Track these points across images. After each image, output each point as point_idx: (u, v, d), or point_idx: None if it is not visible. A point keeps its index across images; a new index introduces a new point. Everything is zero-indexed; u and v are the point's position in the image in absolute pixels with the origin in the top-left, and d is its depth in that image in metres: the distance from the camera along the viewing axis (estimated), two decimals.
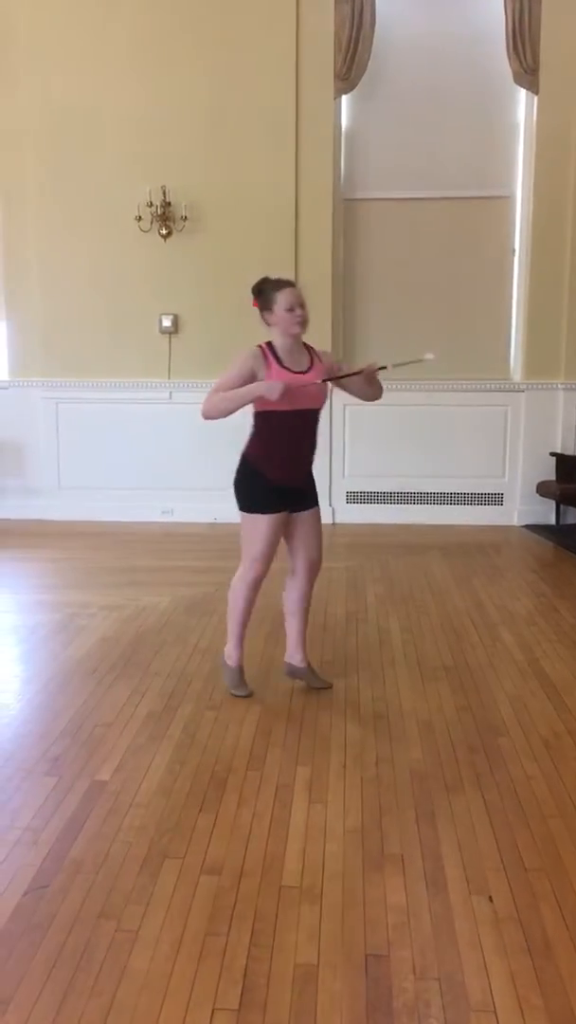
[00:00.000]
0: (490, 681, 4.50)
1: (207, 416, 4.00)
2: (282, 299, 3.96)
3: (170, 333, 8.30)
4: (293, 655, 4.39)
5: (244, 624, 4.30)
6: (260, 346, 4.01)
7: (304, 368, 4.02)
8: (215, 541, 7.60)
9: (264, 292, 4.01)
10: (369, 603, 5.84)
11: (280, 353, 4.00)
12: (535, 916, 2.63)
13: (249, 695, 4.25)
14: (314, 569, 4.29)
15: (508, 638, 5.15)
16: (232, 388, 3.93)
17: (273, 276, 4.11)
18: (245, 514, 4.11)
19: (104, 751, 3.70)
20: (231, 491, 4.15)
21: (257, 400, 3.92)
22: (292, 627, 4.38)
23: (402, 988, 2.33)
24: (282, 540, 4.20)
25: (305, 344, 4.10)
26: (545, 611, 5.69)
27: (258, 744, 3.78)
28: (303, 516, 4.19)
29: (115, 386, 8.35)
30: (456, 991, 2.32)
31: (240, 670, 4.32)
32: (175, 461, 8.36)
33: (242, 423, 4.17)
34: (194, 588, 6.11)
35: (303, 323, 3.98)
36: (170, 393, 8.33)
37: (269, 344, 4.02)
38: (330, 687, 4.35)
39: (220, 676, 4.44)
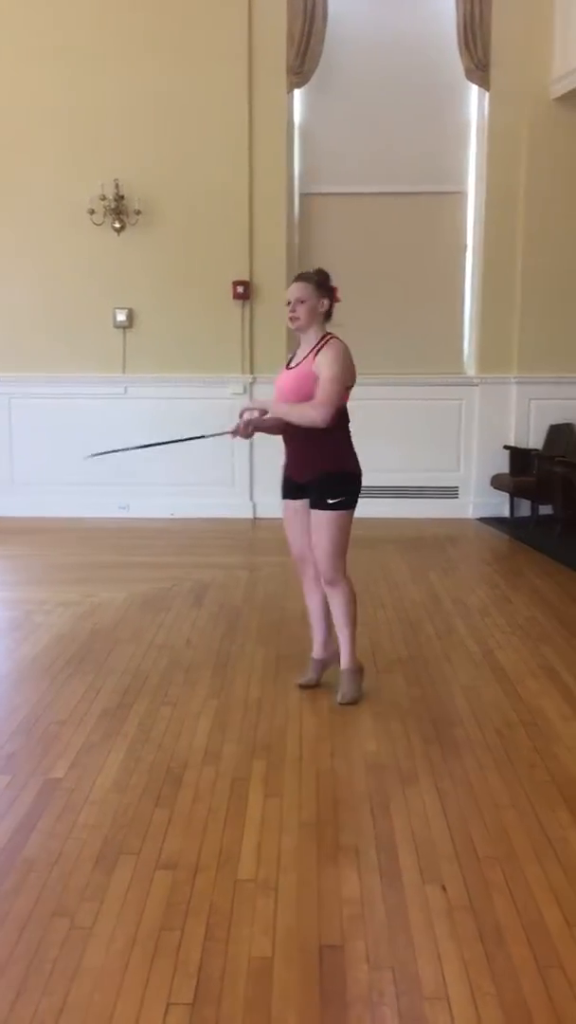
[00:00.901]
0: (445, 672, 4.54)
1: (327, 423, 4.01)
2: (287, 294, 4.07)
3: (124, 327, 8.25)
4: (321, 650, 4.35)
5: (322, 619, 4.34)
6: (336, 338, 4.07)
7: (297, 363, 4.08)
8: (172, 536, 7.58)
9: (324, 282, 4.11)
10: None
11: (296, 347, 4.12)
12: (487, 904, 2.66)
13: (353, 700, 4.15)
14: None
15: (463, 630, 5.19)
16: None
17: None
18: (339, 512, 4.16)
19: (58, 748, 3.67)
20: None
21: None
22: (325, 623, 4.35)
23: (356, 978, 2.35)
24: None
25: (326, 334, 4.07)
26: (499, 602, 5.75)
27: (214, 739, 3.77)
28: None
29: (69, 381, 8.28)
30: (409, 980, 2.34)
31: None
32: (131, 456, 8.26)
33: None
34: (151, 584, 6.08)
35: (292, 320, 4.02)
36: (125, 388, 8.28)
37: (335, 336, 4.10)
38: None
39: (176, 672, 4.43)
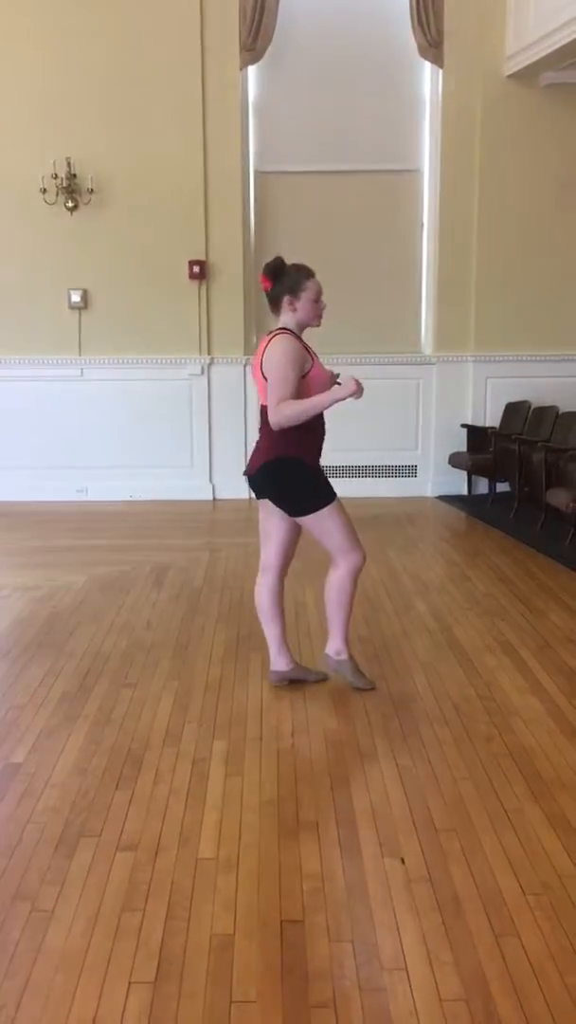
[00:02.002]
0: (404, 649, 4.58)
1: (284, 426, 3.73)
2: (313, 286, 3.83)
3: (80, 308, 8.16)
4: (279, 659, 4.12)
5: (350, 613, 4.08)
6: (290, 334, 3.78)
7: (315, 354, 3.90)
8: (132, 519, 7.54)
9: (290, 276, 3.81)
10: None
11: (301, 338, 3.83)
12: (445, 875, 2.70)
13: (372, 686, 4.04)
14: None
15: (421, 607, 5.24)
16: (293, 382, 3.69)
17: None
18: (313, 515, 3.84)
19: (18, 733, 3.66)
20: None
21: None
22: (278, 629, 4.14)
23: (316, 952, 2.38)
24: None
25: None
26: (457, 579, 5.81)
27: (175, 720, 3.78)
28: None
29: (24, 363, 8.18)
30: (369, 952, 2.38)
31: (355, 661, 4.11)
32: (89, 439, 8.25)
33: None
34: (110, 567, 6.06)
35: (320, 318, 3.89)
36: (81, 370, 8.21)
37: (290, 331, 3.80)
38: (326, 678, 4.15)
39: (136, 653, 4.43)
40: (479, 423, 8.30)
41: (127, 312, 8.07)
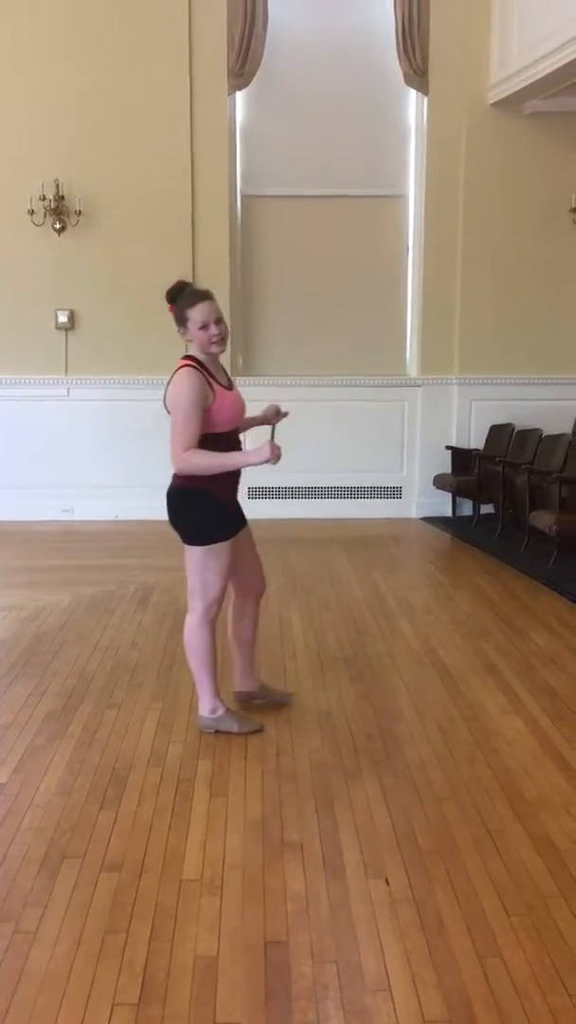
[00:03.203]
0: (388, 670, 4.59)
1: (186, 473, 3.64)
2: (195, 315, 3.58)
3: (67, 329, 8.19)
4: (245, 681, 4.07)
5: (216, 667, 3.86)
6: (192, 365, 3.62)
7: (228, 382, 3.78)
8: (117, 539, 7.54)
9: (178, 306, 3.65)
10: (270, 596, 5.82)
11: (209, 368, 3.67)
12: (429, 896, 2.71)
13: (260, 728, 3.87)
14: (263, 589, 4.07)
15: (406, 628, 5.26)
16: (196, 423, 3.55)
17: (191, 284, 3.75)
18: (202, 547, 3.70)
19: (2, 753, 3.65)
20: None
21: (209, 423, 3.61)
22: (246, 654, 4.06)
23: (300, 973, 2.38)
24: None
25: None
26: (441, 601, 5.84)
27: (159, 740, 3.78)
28: (244, 532, 3.91)
29: (10, 383, 8.19)
30: (352, 972, 2.38)
31: (231, 712, 3.90)
32: (74, 458, 8.25)
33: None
34: (96, 587, 6.05)
35: (222, 341, 3.64)
36: (68, 390, 8.22)
37: (195, 360, 3.65)
38: (292, 696, 4.15)
39: (121, 673, 4.43)
40: (463, 445, 8.36)
41: (114, 333, 8.10)
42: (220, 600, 3.81)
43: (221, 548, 3.71)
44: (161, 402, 3.68)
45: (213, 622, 3.81)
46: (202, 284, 8.53)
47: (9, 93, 7.89)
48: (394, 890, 2.74)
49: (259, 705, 4.08)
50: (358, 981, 2.35)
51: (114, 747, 3.71)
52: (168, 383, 3.67)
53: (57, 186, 7.88)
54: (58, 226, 7.95)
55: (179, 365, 3.67)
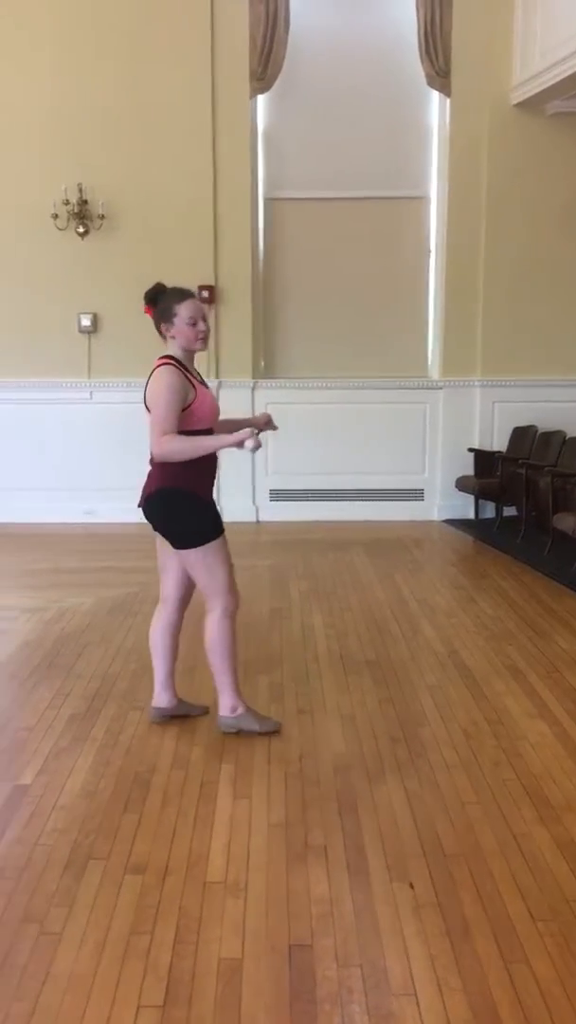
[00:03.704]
0: (411, 673, 4.58)
1: (167, 460, 3.62)
2: (184, 311, 3.64)
3: (89, 332, 8.23)
4: (163, 695, 3.98)
5: (235, 667, 3.86)
6: (172, 364, 3.65)
7: (202, 381, 3.81)
8: (139, 541, 7.53)
9: (162, 302, 3.69)
10: (293, 599, 5.88)
11: (187, 366, 3.70)
12: (454, 901, 2.69)
13: (279, 726, 3.89)
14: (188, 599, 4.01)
15: (429, 631, 5.24)
16: (175, 416, 3.56)
17: (169, 285, 3.77)
18: (199, 548, 3.70)
19: (26, 755, 3.66)
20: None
21: (186, 422, 3.61)
22: (167, 665, 3.98)
23: (325, 976, 2.37)
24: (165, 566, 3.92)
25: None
26: (464, 603, 5.81)
27: (182, 742, 3.78)
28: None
29: (34, 386, 8.24)
30: (377, 976, 2.37)
31: (251, 710, 3.89)
32: (97, 461, 8.29)
33: None
34: (118, 589, 6.07)
35: (206, 339, 3.71)
36: (91, 393, 8.26)
37: (174, 359, 3.68)
38: (207, 711, 4.05)
39: (144, 676, 4.43)
40: (486, 447, 8.33)
41: (136, 336, 8.04)
42: (234, 589, 3.79)
43: (214, 546, 3.72)
44: (143, 402, 3.70)
45: (234, 616, 3.80)
46: (224, 287, 8.60)
47: (33, 98, 7.94)
48: (419, 894, 2.73)
49: (281, 708, 4.07)
50: (383, 985, 2.34)
51: (137, 749, 3.72)
52: (148, 381, 3.68)
53: (80, 190, 7.93)
54: (81, 230, 8.00)
55: (157, 364, 3.69)
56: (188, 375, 3.68)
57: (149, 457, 3.76)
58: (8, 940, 2.52)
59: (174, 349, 3.72)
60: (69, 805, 3.26)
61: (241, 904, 2.68)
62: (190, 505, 3.72)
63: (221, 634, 3.78)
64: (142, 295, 3.80)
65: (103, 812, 3.21)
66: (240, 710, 3.84)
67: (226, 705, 3.85)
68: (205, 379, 3.89)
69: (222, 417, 3.85)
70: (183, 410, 3.62)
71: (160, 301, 3.72)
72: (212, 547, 3.71)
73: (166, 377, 3.62)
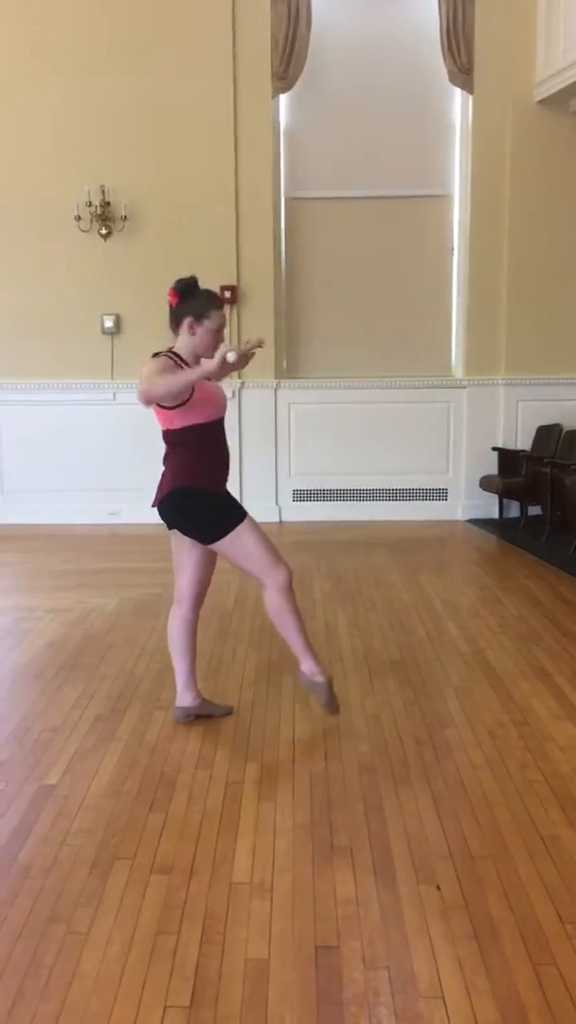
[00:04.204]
0: (436, 674, 4.56)
1: (152, 397, 3.52)
2: (216, 317, 3.69)
3: (112, 334, 8.26)
4: (186, 695, 3.99)
5: (305, 631, 3.87)
6: (168, 356, 3.65)
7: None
8: (163, 542, 7.54)
9: (199, 299, 3.70)
10: (316, 600, 5.87)
11: (190, 362, 3.69)
12: (481, 902, 2.67)
13: (338, 710, 3.93)
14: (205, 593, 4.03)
15: (454, 631, 5.21)
16: (163, 379, 3.51)
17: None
18: (227, 537, 3.70)
19: (51, 755, 3.67)
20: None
21: (192, 399, 3.60)
22: (188, 663, 3.99)
23: (352, 978, 2.36)
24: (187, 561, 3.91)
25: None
26: (489, 603, 5.78)
27: (207, 743, 3.78)
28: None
29: (57, 387, 8.28)
30: (405, 979, 2.36)
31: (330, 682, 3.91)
32: (120, 462, 8.31)
33: None
34: (142, 589, 6.09)
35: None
36: (114, 394, 8.28)
37: (176, 356, 3.68)
38: (231, 711, 4.09)
39: (168, 677, 4.44)
40: (510, 446, 8.28)
41: (159, 337, 7.98)
42: (279, 562, 3.75)
43: (242, 529, 3.71)
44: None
45: (288, 588, 3.75)
46: (247, 287, 8.58)
47: (55, 100, 7.98)
48: (446, 896, 2.71)
49: (306, 708, 4.06)
50: (410, 987, 2.32)
51: (162, 749, 3.73)
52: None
53: (103, 192, 7.96)
54: (104, 231, 8.03)
55: (153, 354, 3.65)
56: (176, 360, 3.65)
57: (164, 456, 3.78)
58: (35, 940, 2.53)
59: (184, 347, 3.71)
60: (95, 805, 3.27)
61: (267, 905, 2.67)
62: (205, 500, 3.74)
63: (286, 605, 3.76)
64: (164, 296, 3.79)
65: (129, 812, 3.22)
66: (319, 678, 3.83)
67: (307, 667, 3.84)
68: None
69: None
70: (183, 403, 3.61)
71: (192, 296, 3.69)
72: (240, 531, 3.71)
73: (156, 363, 3.58)
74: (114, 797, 3.33)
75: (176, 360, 3.67)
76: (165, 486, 3.80)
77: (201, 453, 3.73)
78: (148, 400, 3.56)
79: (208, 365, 3.51)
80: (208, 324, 3.69)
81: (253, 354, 3.66)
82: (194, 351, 3.71)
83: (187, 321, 3.69)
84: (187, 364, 3.67)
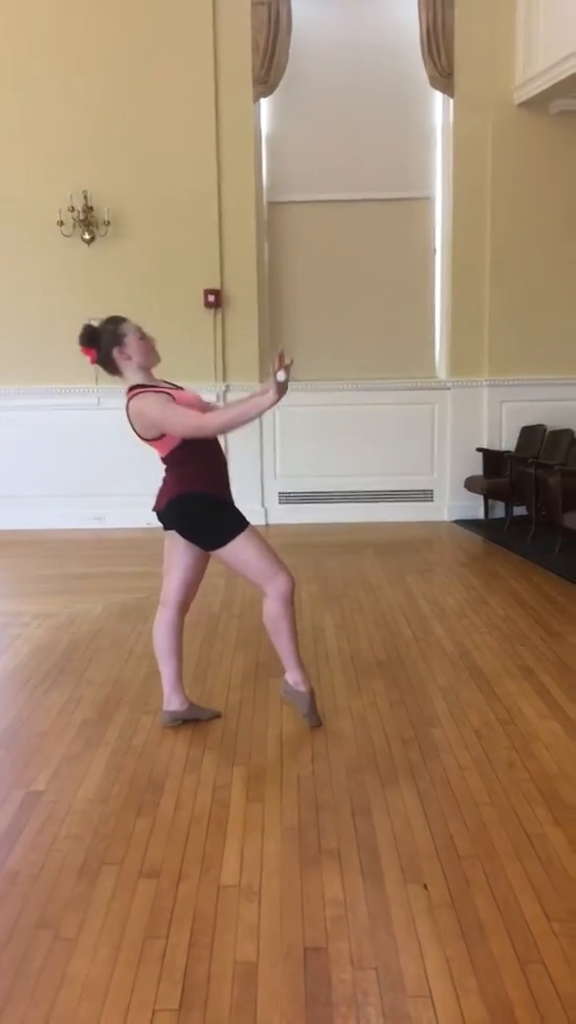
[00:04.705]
0: (423, 675, 4.57)
1: (217, 431, 3.65)
2: (130, 329, 3.73)
3: None
4: (173, 698, 3.99)
5: (297, 642, 3.91)
6: (141, 392, 3.67)
7: (174, 387, 3.83)
8: (149, 546, 7.56)
9: (105, 332, 3.72)
10: (303, 602, 5.87)
11: (154, 384, 3.74)
12: (468, 902, 2.69)
13: (320, 723, 3.94)
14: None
15: (440, 632, 5.23)
16: (183, 410, 3.62)
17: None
18: (230, 544, 3.72)
19: (39, 760, 3.67)
20: None
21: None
22: (174, 667, 3.99)
23: (340, 979, 2.37)
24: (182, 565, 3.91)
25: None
26: (475, 604, 5.80)
27: (195, 747, 3.79)
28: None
29: (41, 392, 8.27)
30: (393, 979, 2.37)
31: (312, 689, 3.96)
32: (105, 467, 8.31)
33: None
34: (128, 594, 6.08)
35: (155, 348, 3.77)
36: (98, 399, 8.27)
37: (139, 386, 3.70)
38: (219, 716, 4.10)
39: (155, 681, 4.43)
40: (495, 447, 8.32)
41: None
42: (282, 571, 3.78)
43: (244, 538, 3.73)
44: (135, 433, 3.74)
45: (288, 598, 3.78)
46: (231, 291, 8.59)
47: (36, 105, 7.98)
48: (433, 896, 2.72)
49: (292, 711, 4.06)
50: (399, 987, 2.33)
51: (150, 754, 3.72)
52: (131, 419, 3.70)
53: (85, 197, 7.95)
54: (87, 236, 8.02)
55: (129, 397, 3.70)
56: (158, 390, 3.70)
57: (164, 469, 3.84)
58: (23, 946, 2.52)
59: (133, 375, 3.74)
60: (82, 810, 3.26)
61: (255, 908, 2.68)
62: (209, 506, 3.77)
63: (277, 616, 3.79)
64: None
65: (116, 817, 3.22)
66: (302, 688, 3.89)
67: (291, 677, 3.90)
68: (179, 385, 3.88)
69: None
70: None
71: (98, 335, 3.73)
72: (242, 539, 3.74)
73: (146, 400, 3.64)
74: (102, 802, 3.33)
75: (154, 391, 3.69)
76: (168, 492, 3.82)
77: (202, 462, 3.77)
78: (218, 431, 3.65)
79: (267, 397, 3.55)
80: (129, 339, 3.72)
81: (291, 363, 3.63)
82: (141, 369, 3.75)
83: (115, 352, 3.73)
84: (152, 387, 3.71)
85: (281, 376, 3.50)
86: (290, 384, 3.57)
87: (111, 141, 8.01)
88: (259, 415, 3.65)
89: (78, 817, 3.22)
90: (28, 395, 8.27)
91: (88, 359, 3.80)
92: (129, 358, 3.72)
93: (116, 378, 3.80)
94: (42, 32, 7.91)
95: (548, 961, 2.42)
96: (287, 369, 3.51)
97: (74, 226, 7.99)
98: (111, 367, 3.76)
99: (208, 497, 3.77)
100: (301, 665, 3.92)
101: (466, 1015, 2.23)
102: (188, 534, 3.82)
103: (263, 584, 3.80)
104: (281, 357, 3.52)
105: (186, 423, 3.62)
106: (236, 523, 3.76)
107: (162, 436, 3.70)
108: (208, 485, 3.78)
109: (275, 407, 3.63)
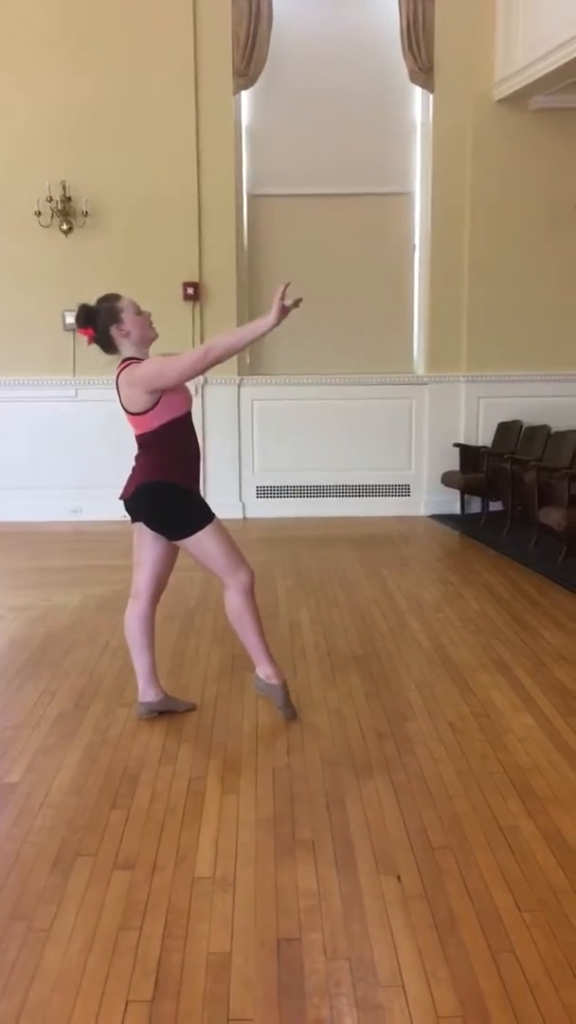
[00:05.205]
0: (398, 668, 4.59)
1: (223, 359, 3.64)
2: (127, 305, 3.72)
3: (74, 330, 8.15)
4: (148, 690, 3.99)
5: (264, 634, 3.92)
6: (136, 362, 3.69)
7: None
8: (127, 538, 7.53)
9: (102, 311, 3.70)
10: (280, 596, 5.89)
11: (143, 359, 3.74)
12: (441, 893, 2.71)
13: (295, 715, 3.95)
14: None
15: (416, 626, 5.26)
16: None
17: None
18: (195, 535, 3.74)
19: (13, 753, 3.66)
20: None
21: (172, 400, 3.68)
22: (148, 659, 3.99)
23: (313, 969, 2.38)
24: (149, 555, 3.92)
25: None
26: (451, 598, 5.83)
27: (170, 739, 3.79)
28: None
29: (18, 384, 8.22)
30: (365, 969, 2.38)
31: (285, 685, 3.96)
32: (83, 459, 8.27)
33: None
34: (105, 586, 6.06)
35: (152, 323, 3.77)
36: (76, 391, 8.24)
37: (135, 359, 3.72)
38: (194, 708, 4.10)
39: (131, 674, 4.43)
40: (471, 442, 8.36)
41: None
42: (243, 565, 3.81)
43: (209, 530, 3.75)
44: (120, 405, 3.75)
45: (250, 590, 3.81)
46: (209, 284, 8.58)
47: (14, 95, 7.91)
48: (406, 887, 2.74)
49: (268, 704, 4.07)
50: (371, 977, 2.35)
51: (125, 746, 3.72)
52: (118, 386, 3.72)
53: (64, 187, 7.91)
54: (65, 227, 7.98)
55: (122, 366, 3.71)
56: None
57: (136, 455, 3.81)
58: None
59: (129, 349, 3.74)
60: (57, 803, 3.26)
61: (229, 899, 2.69)
62: (175, 495, 3.77)
63: (247, 608, 3.82)
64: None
65: (91, 809, 3.22)
66: (274, 681, 3.90)
67: (263, 671, 3.91)
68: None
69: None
70: (157, 403, 3.66)
71: (96, 314, 3.73)
72: (207, 531, 3.75)
73: (140, 366, 3.66)
74: (76, 794, 3.32)
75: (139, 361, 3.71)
76: (136, 479, 3.83)
77: (176, 450, 3.78)
78: (205, 367, 3.63)
79: (266, 320, 3.54)
80: (126, 315, 3.71)
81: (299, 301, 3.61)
82: (139, 344, 3.75)
83: (113, 329, 3.72)
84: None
85: (288, 302, 3.49)
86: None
87: (89, 132, 7.96)
88: (259, 338, 3.67)
89: (52, 809, 3.21)
90: (5, 386, 8.22)
91: (86, 339, 3.79)
92: (127, 334, 3.72)
93: (113, 356, 3.79)
94: (19, 22, 7.84)
95: (519, 951, 2.44)
96: (296, 302, 3.53)
97: (52, 216, 7.94)
98: (109, 345, 3.77)
99: (175, 487, 3.78)
100: (270, 657, 3.93)
101: (438, 1005, 2.25)
102: (153, 523, 3.83)
103: (225, 577, 3.82)
104: (285, 290, 3.54)
105: (187, 358, 3.60)
106: (202, 515, 3.78)
107: (147, 411, 3.68)
108: (177, 475, 3.78)
109: (275, 324, 3.57)
